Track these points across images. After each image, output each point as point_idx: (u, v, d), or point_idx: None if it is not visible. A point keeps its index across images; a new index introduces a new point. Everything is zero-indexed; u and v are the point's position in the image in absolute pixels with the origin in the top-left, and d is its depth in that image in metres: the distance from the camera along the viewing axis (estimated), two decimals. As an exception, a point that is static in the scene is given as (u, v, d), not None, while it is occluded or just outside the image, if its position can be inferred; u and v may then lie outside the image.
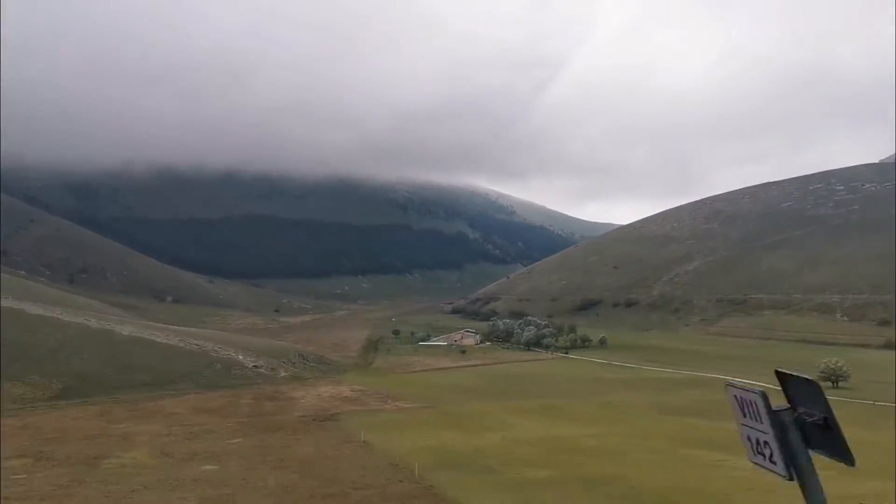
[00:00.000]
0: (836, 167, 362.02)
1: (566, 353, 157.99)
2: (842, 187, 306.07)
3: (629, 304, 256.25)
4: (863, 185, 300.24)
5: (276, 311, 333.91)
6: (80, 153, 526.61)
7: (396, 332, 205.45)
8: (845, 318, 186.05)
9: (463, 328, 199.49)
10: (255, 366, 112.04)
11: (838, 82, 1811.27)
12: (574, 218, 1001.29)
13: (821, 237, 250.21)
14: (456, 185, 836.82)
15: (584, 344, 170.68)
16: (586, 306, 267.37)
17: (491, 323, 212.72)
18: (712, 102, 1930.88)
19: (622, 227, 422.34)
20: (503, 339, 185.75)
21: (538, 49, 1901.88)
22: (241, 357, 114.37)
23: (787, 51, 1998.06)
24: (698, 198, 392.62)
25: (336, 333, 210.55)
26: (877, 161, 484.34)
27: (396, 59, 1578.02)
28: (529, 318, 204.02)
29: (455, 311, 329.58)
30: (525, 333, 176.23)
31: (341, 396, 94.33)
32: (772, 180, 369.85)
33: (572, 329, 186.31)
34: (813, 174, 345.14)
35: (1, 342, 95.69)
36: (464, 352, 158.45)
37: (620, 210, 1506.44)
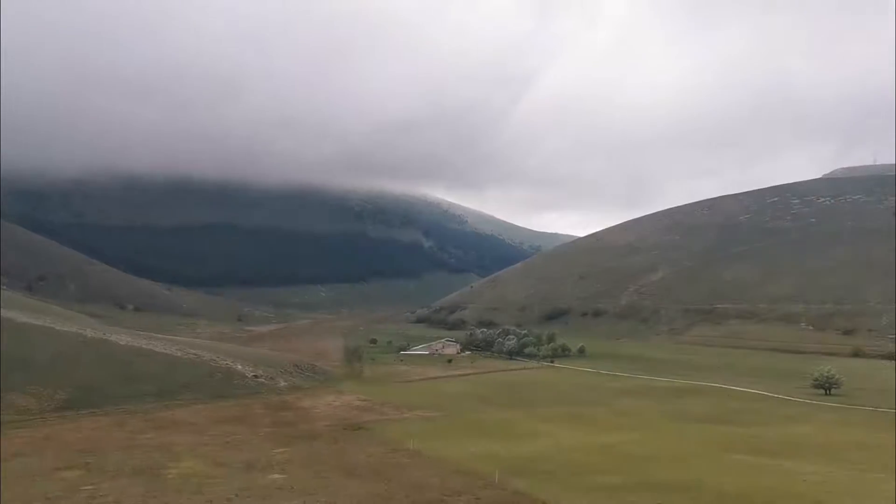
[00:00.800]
0: (785, 181, 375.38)
1: (552, 361, 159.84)
2: (797, 200, 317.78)
3: (598, 314, 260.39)
4: (818, 199, 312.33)
5: (240, 319, 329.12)
6: (33, 159, 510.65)
7: (374, 341, 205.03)
8: (810, 328, 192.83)
9: (443, 338, 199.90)
10: (254, 375, 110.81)
11: (788, 101, 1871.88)
12: (523, 228, 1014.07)
13: (781, 249, 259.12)
14: (409, 194, 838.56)
15: (563, 353, 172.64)
16: (555, 315, 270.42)
17: (469, 332, 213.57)
18: (671, 117, 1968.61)
19: (583, 238, 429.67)
20: (483, 348, 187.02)
21: (516, 64, 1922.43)
22: (239, 367, 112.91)
23: (743, 69, 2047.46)
24: (652, 210, 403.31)
25: (309, 343, 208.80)
26: (820, 176, 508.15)
27: (377, 74, 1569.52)
28: (507, 327, 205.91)
29: (420, 321, 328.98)
30: (507, 343, 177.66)
31: (352, 406, 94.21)
32: (727, 193, 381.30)
33: (552, 338, 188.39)
34: (769, 188, 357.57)
35: (0, 352, 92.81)
36: (450, 361, 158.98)
37: (568, 221, 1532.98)
